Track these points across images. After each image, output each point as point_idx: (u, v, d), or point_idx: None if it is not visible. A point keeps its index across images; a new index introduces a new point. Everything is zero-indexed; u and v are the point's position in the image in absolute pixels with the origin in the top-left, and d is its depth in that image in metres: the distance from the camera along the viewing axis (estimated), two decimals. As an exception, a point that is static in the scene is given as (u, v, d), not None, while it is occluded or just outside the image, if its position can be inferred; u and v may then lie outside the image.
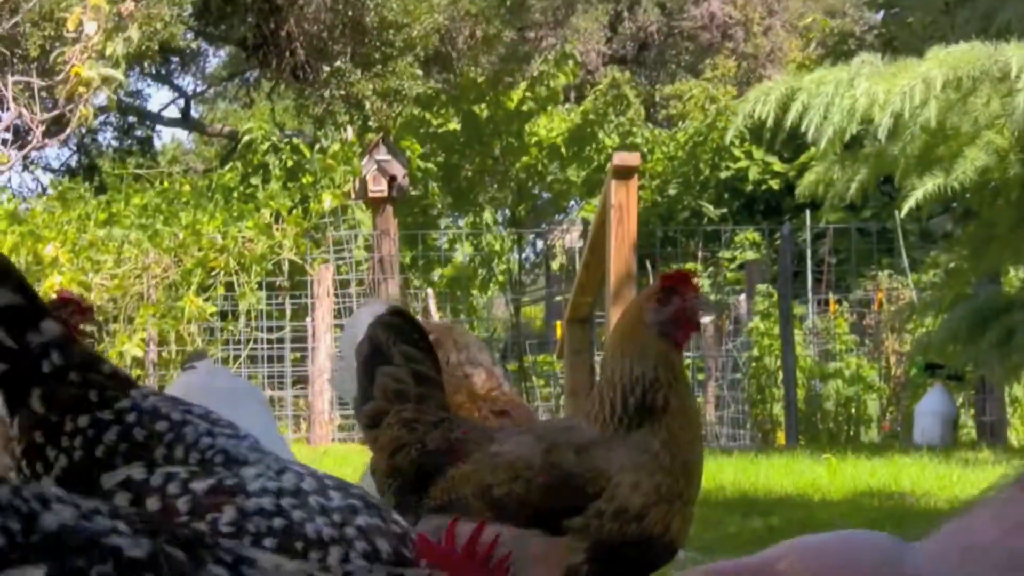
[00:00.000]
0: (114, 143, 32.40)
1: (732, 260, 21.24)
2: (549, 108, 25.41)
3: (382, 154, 17.81)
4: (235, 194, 20.02)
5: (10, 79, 13.05)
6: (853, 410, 16.43)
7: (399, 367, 3.83)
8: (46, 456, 2.46)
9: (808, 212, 19.14)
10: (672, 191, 24.56)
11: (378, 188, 17.55)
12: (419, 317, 4.71)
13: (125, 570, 1.56)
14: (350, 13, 26.47)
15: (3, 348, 2.47)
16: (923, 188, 9.51)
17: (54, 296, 3.56)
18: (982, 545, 1.55)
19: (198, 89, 34.99)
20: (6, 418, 2.54)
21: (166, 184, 20.77)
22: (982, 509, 1.61)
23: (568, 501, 3.56)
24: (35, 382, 2.48)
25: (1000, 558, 1.54)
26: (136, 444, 2.46)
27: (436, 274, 22.81)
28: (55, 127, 13.69)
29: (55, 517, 1.59)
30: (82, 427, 2.46)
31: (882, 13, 23.32)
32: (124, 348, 15.18)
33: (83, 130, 20.63)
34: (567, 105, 27.33)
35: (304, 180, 20.39)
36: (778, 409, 16.53)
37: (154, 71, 31.69)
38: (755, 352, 17.04)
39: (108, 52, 13.15)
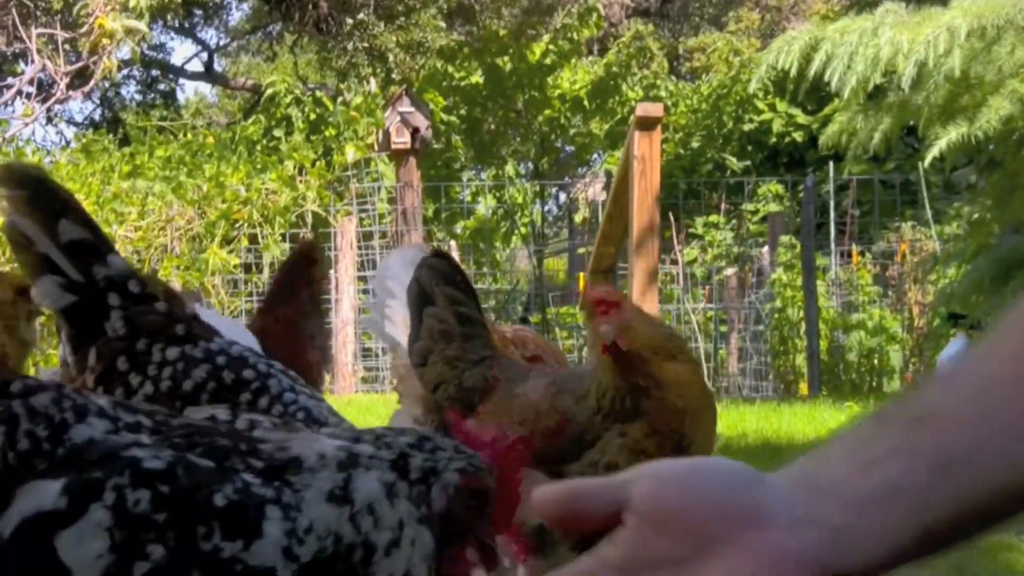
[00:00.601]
0: (137, 96, 32.45)
1: (755, 212, 21.18)
2: (572, 61, 25.38)
3: (405, 106, 17.80)
4: (258, 147, 20.05)
5: (34, 31, 13.06)
6: (876, 361, 16.40)
7: (443, 308, 3.97)
8: (128, 382, 2.47)
9: (831, 164, 19.06)
10: (695, 143, 24.47)
11: (401, 140, 17.55)
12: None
13: (140, 481, 1.59)
14: (372, -35, 26.39)
15: (71, 281, 2.47)
16: (947, 137, 9.47)
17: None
18: (830, 481, 1.54)
19: (221, 42, 35.05)
20: (70, 360, 2.54)
21: (189, 137, 20.76)
22: (836, 445, 1.61)
23: (566, 446, 3.68)
24: (111, 311, 2.49)
25: (847, 496, 1.53)
26: (223, 386, 2.48)
27: (459, 226, 22.81)
28: (79, 80, 13.72)
29: (86, 430, 1.64)
30: (171, 359, 2.48)
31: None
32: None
33: (107, 83, 20.62)
34: (590, 58, 27.27)
35: (327, 132, 20.38)
36: (800, 360, 16.49)
37: (177, 24, 31.68)
38: (778, 304, 17.01)
39: (131, 4, 13.15)
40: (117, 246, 14.52)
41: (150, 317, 2.51)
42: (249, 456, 1.80)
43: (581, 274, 16.11)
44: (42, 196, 2.47)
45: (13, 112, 14.53)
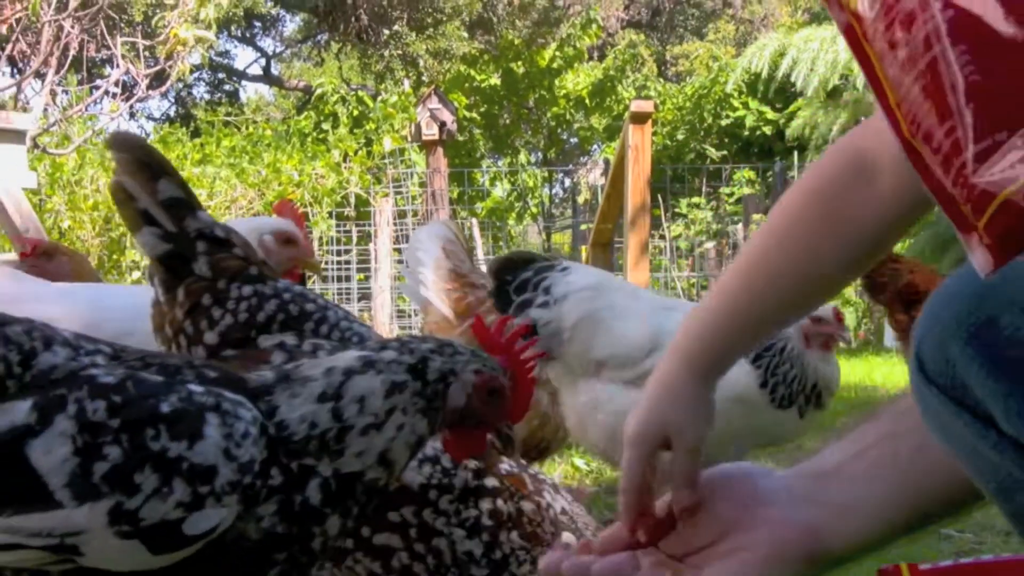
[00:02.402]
0: (206, 95, 32.43)
1: (731, 195, 21.05)
2: (575, 65, 25.26)
3: (434, 103, 17.78)
4: (309, 138, 19.98)
5: (119, 40, 13.03)
6: (833, 321, 16.38)
7: None
8: (212, 315, 2.53)
9: (796, 153, 18.95)
10: (680, 136, 24.33)
11: (430, 132, 17.54)
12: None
13: (96, 393, 1.62)
14: (406, -17, 26.34)
15: (167, 232, 2.53)
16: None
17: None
18: (828, 468, 1.59)
19: (277, 50, 34.92)
20: (162, 299, 2.60)
21: (251, 129, 20.74)
22: (833, 442, 1.66)
23: None
24: (198, 256, 2.55)
25: (842, 477, 1.58)
26: (291, 317, 2.55)
27: (479, 207, 22.76)
28: (156, 81, 13.70)
29: (51, 357, 1.67)
30: (247, 295, 2.54)
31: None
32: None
33: (180, 84, 20.65)
34: (590, 63, 27.12)
35: (368, 126, 20.36)
36: (769, 320, 16.48)
37: (240, 34, 31.66)
38: (750, 272, 16.99)
39: (201, 16, 13.11)
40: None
41: (229, 262, 2.56)
42: (204, 369, 1.83)
43: (583, 247, 16.07)
44: (145, 160, 2.51)
45: (101, 109, 14.50)
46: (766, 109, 22.86)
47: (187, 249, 2.53)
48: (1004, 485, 1.40)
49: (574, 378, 4.02)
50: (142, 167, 2.49)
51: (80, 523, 1.57)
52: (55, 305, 3.63)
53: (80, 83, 13.52)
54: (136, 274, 12.47)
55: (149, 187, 2.48)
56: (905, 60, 1.20)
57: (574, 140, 27.38)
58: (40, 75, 12.96)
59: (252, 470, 1.67)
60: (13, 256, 6.25)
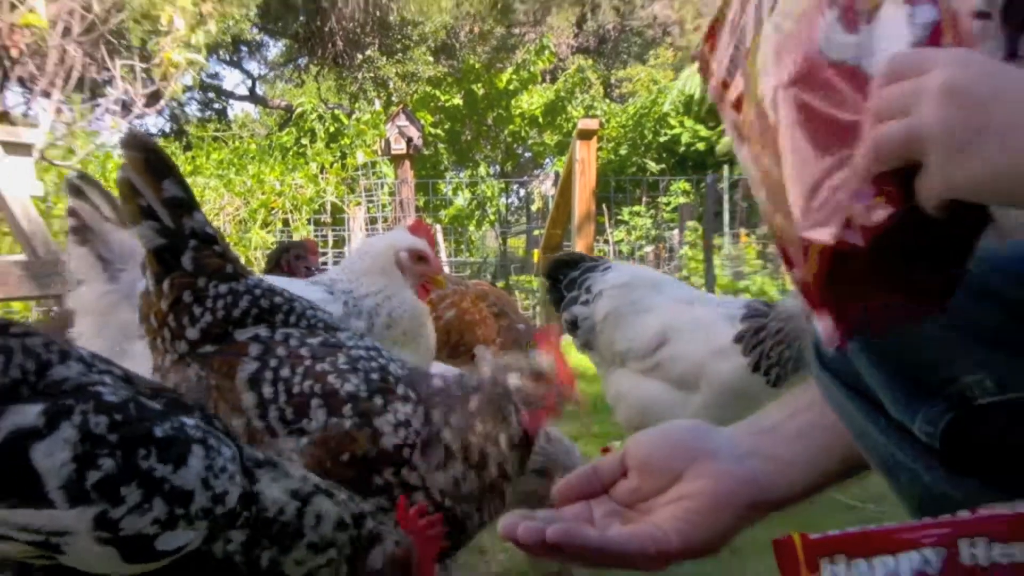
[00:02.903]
0: (197, 113, 32.13)
1: (668, 204, 21.14)
2: (530, 87, 25.24)
3: (402, 121, 17.72)
4: (290, 152, 19.91)
5: (117, 63, 12.95)
6: (758, 317, 16.46)
7: None
8: (192, 312, 2.52)
9: (726, 167, 19.08)
10: (623, 151, 24.38)
11: (399, 147, 17.48)
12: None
13: (101, 408, 1.61)
14: (378, 13, 26.33)
15: (164, 227, 2.51)
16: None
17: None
18: (767, 426, 1.60)
19: (261, 72, 34.69)
20: (152, 290, 2.58)
21: (237, 144, 20.68)
22: (774, 404, 1.66)
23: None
24: (186, 251, 2.54)
25: (779, 434, 1.58)
26: (263, 310, 2.55)
27: (443, 214, 22.74)
28: (152, 100, 13.59)
29: (65, 370, 1.66)
30: (223, 293, 2.52)
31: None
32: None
33: (174, 103, 20.46)
34: (543, 85, 27.13)
35: (343, 141, 20.31)
36: (701, 316, 16.54)
37: (228, 58, 31.42)
38: (684, 273, 17.05)
39: (193, 42, 13.04)
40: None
41: (210, 259, 2.55)
42: (200, 411, 1.83)
43: (535, 251, 16.12)
44: (153, 160, 2.50)
45: (102, 125, 14.40)
46: (700, 127, 22.95)
47: (179, 245, 2.53)
48: (888, 464, 1.44)
49: (607, 367, 4.08)
50: (150, 166, 2.49)
51: (68, 524, 1.56)
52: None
53: (83, 101, 13.44)
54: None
55: (154, 185, 2.48)
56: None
57: (528, 154, 27.37)
58: (47, 94, 12.88)
59: (224, 502, 1.68)
60: (22, 257, 6.24)
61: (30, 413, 1.58)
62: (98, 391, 1.65)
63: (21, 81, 13.08)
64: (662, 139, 23.75)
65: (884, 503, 3.70)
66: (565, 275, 4.19)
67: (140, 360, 2.72)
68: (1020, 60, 1.32)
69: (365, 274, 3.19)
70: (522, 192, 28.93)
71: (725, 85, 1.38)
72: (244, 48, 31.79)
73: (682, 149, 23.47)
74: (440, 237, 18.33)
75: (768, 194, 1.26)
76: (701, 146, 22.95)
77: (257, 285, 2.61)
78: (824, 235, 1.15)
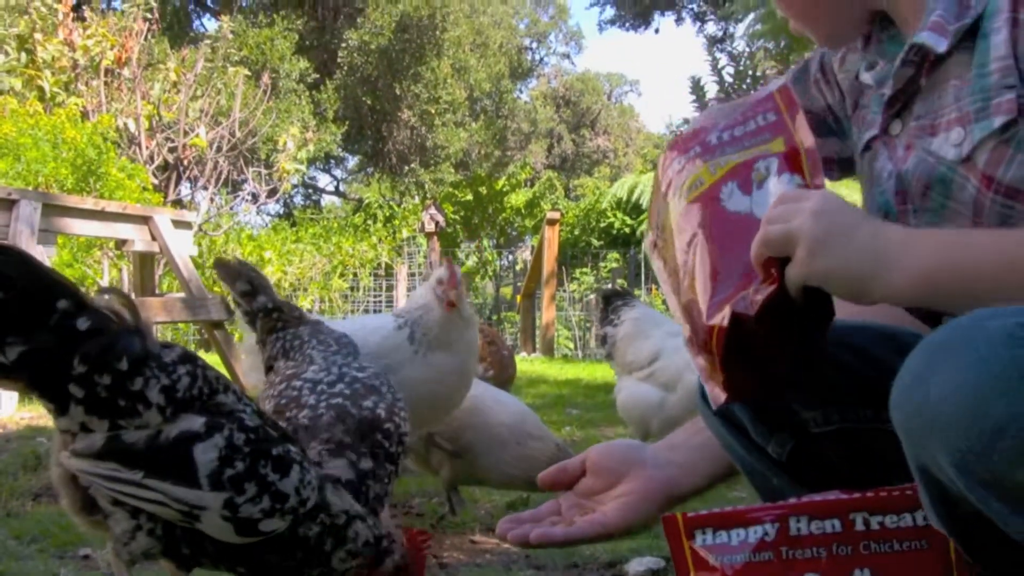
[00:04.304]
0: (300, 201, 32.17)
1: (605, 267, 21.16)
2: (517, 189, 25.33)
3: (432, 210, 17.88)
4: (359, 229, 19.94)
5: (249, 169, 13.18)
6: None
7: None
8: (266, 345, 2.39)
9: (643, 246, 18.98)
10: (576, 232, 24.37)
11: (430, 227, 17.61)
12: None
13: (241, 428, 1.57)
14: (418, 140, 26.57)
15: (244, 310, 2.48)
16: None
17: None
18: (678, 442, 1.53)
19: (343, 176, 34.83)
20: (259, 347, 2.43)
21: (325, 223, 20.69)
22: (684, 425, 1.57)
23: None
24: (257, 322, 2.43)
25: (685, 447, 1.50)
26: (290, 347, 2.30)
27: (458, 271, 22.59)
28: (272, 194, 13.79)
29: (224, 397, 1.60)
30: (271, 341, 2.37)
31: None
32: (301, 305, 14.96)
33: (286, 196, 20.61)
34: (525, 188, 27.25)
35: (395, 222, 20.38)
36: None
37: (321, 167, 31.59)
38: (615, 312, 17.01)
39: (299, 156, 13.26)
40: (288, 277, 14.47)
41: (265, 323, 2.42)
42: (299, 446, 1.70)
43: (519, 296, 16.21)
44: (235, 271, 2.49)
45: (240, 209, 14.56)
46: (627, 217, 22.96)
47: (255, 319, 2.44)
48: (749, 470, 1.41)
49: (620, 374, 3.90)
50: (231, 274, 2.47)
51: (206, 502, 1.51)
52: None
53: (227, 194, 13.62)
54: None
55: (248, 298, 2.46)
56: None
57: (515, 232, 27.43)
58: (204, 188, 13.08)
59: (306, 505, 1.62)
60: (182, 295, 6.16)
61: (197, 422, 1.53)
62: (241, 417, 1.60)
63: (189, 180, 13.28)
64: (602, 225, 23.79)
65: (744, 491, 3.59)
66: (612, 303, 4.00)
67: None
68: (889, 137, 1.40)
69: (415, 301, 3.05)
70: (511, 257, 29.05)
71: (654, 244, 1.39)
72: (332, 160, 31.99)
73: (615, 232, 23.52)
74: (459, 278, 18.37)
75: (681, 302, 1.23)
76: (627, 230, 22.96)
77: (284, 331, 2.37)
78: (722, 318, 1.11)
